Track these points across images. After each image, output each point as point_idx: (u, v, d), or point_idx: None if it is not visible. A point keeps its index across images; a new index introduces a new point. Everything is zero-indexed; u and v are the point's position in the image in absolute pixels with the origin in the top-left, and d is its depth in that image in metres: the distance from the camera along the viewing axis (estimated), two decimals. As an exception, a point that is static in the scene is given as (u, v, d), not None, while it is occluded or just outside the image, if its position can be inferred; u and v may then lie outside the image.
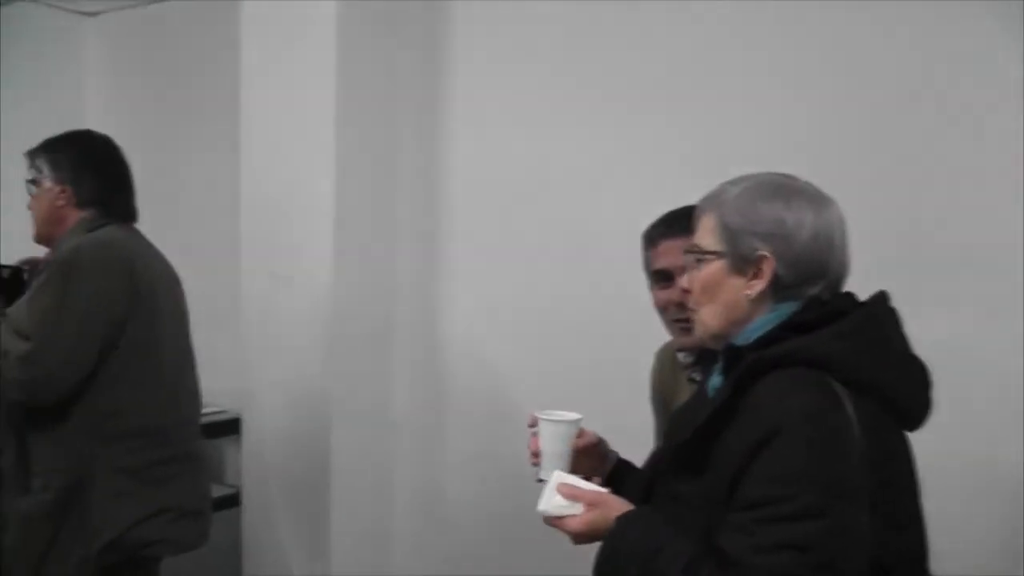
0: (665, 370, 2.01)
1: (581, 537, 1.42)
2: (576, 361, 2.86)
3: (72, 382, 2.21)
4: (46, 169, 2.37)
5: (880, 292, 1.44)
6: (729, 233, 1.41)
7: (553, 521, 1.43)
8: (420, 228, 3.25)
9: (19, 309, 2.27)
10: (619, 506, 1.40)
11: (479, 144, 3.13)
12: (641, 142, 2.77)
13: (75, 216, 2.35)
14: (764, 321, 1.40)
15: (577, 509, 1.41)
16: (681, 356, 1.86)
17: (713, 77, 2.65)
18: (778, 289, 1.39)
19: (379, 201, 3.20)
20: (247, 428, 3.32)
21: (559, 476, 1.47)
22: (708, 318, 1.46)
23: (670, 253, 1.81)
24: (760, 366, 1.32)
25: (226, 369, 3.28)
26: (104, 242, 2.30)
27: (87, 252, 2.25)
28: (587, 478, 1.52)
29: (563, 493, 1.43)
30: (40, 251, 2.47)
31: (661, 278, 1.85)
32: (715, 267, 1.43)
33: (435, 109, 3.21)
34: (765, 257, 1.38)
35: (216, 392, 3.33)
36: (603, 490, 1.46)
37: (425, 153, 3.23)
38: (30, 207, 2.41)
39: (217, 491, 3.33)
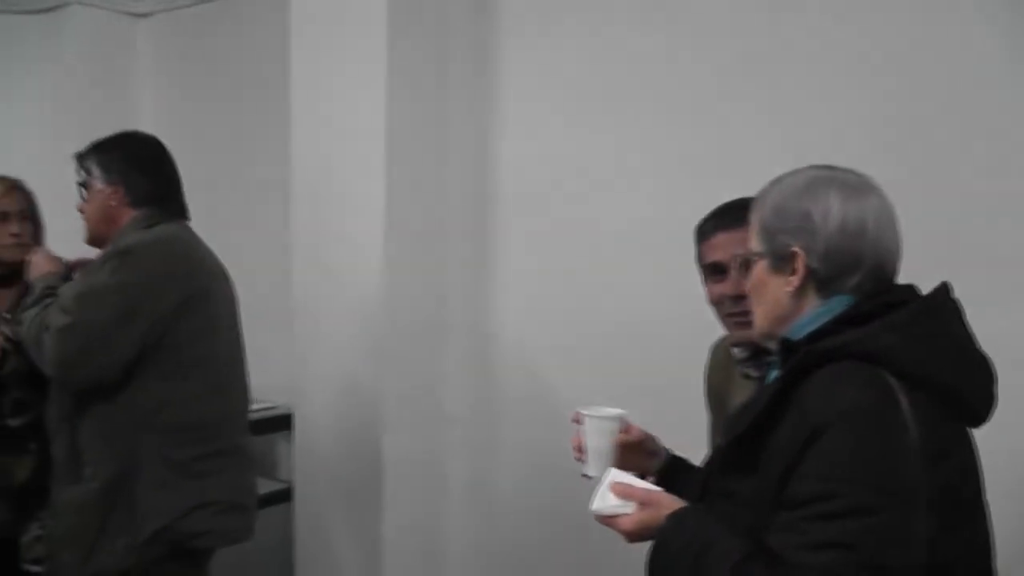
0: (719, 366, 1.99)
1: (633, 536, 1.42)
2: (628, 357, 2.84)
3: (108, 365, 2.24)
4: (96, 171, 2.40)
5: (941, 284, 1.41)
6: (766, 233, 1.43)
7: (606, 520, 1.43)
8: (470, 224, 3.24)
9: (68, 287, 2.31)
10: (671, 504, 1.39)
11: (529, 141, 3.12)
12: (694, 140, 2.75)
13: (127, 215, 2.38)
14: (816, 315, 1.39)
15: (630, 508, 1.41)
16: (736, 351, 1.84)
17: (764, 77, 2.62)
18: (818, 283, 1.39)
19: (429, 198, 3.20)
20: (299, 424, 3.35)
21: (614, 475, 1.46)
22: (759, 318, 1.48)
23: (723, 246, 1.79)
24: (811, 360, 1.31)
25: (278, 365, 3.32)
26: (160, 237, 2.33)
27: (142, 244, 2.29)
28: (642, 476, 1.51)
29: (616, 492, 1.43)
30: (93, 253, 2.50)
31: (714, 272, 1.83)
32: (759, 268, 1.45)
33: (485, 107, 3.20)
34: (796, 252, 1.39)
35: (268, 388, 3.37)
36: (656, 488, 1.45)
37: (475, 150, 3.22)
38: (81, 209, 2.44)
39: (269, 486, 3.38)
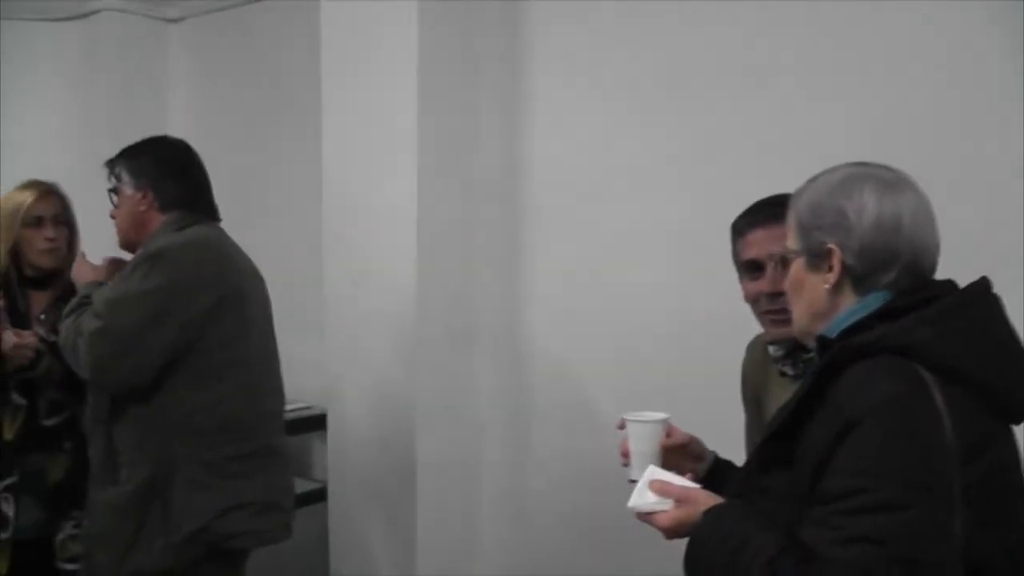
0: (755, 363, 1.97)
1: (671, 532, 1.43)
2: (662, 359, 2.82)
3: (141, 368, 2.25)
4: (125, 176, 2.42)
5: (980, 278, 1.39)
6: (802, 231, 1.44)
7: (643, 517, 1.45)
8: (501, 228, 3.23)
9: (100, 292, 2.33)
10: (708, 501, 1.40)
11: (560, 143, 3.10)
12: (726, 136, 2.72)
13: (157, 219, 2.39)
14: (852, 312, 1.39)
15: (667, 505, 1.43)
16: (772, 349, 1.82)
17: (799, 68, 2.60)
18: (854, 279, 1.39)
19: (460, 202, 3.20)
20: (332, 424, 3.36)
21: (652, 472, 1.49)
22: (797, 316, 1.48)
23: (759, 243, 1.78)
24: (845, 355, 1.31)
25: (311, 365, 3.32)
26: (190, 239, 2.34)
27: (173, 247, 2.30)
28: (682, 475, 1.52)
29: (654, 489, 1.45)
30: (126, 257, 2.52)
31: (750, 269, 1.81)
32: (796, 266, 1.46)
33: (516, 109, 3.19)
34: (831, 249, 1.39)
35: (302, 388, 3.38)
36: (694, 486, 1.47)
37: (506, 153, 3.21)
38: (112, 215, 2.46)
39: (304, 486, 3.39)
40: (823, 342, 1.40)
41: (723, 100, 2.73)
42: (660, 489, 1.44)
